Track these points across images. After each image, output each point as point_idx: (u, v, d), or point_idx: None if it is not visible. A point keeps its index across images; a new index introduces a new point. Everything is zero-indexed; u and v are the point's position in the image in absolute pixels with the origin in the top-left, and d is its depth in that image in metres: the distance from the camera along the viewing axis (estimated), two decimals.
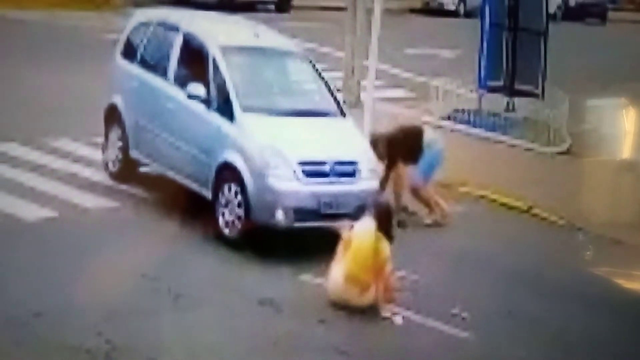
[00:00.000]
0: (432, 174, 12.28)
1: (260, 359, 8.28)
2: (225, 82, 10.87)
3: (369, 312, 9.31)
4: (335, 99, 11.65)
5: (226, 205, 10.53)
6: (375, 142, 11.65)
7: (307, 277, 9.92)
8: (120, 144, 12.19)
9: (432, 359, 8.71)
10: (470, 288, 10.41)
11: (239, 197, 10.39)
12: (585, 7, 42.97)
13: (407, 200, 12.26)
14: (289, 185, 10.31)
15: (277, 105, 11.13)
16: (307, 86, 11.85)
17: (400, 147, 11.91)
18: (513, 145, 17.04)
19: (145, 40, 12.30)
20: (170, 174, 11.53)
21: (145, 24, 12.52)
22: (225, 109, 10.76)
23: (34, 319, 8.30)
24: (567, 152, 17.05)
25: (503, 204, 13.75)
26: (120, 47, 12.70)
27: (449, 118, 17.82)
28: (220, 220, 10.58)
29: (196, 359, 8.07)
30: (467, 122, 17.72)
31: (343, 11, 19.18)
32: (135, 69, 12.21)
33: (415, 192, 12.20)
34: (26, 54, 19.17)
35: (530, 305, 10.16)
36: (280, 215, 10.26)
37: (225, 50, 11.16)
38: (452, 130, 17.06)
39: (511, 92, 18.30)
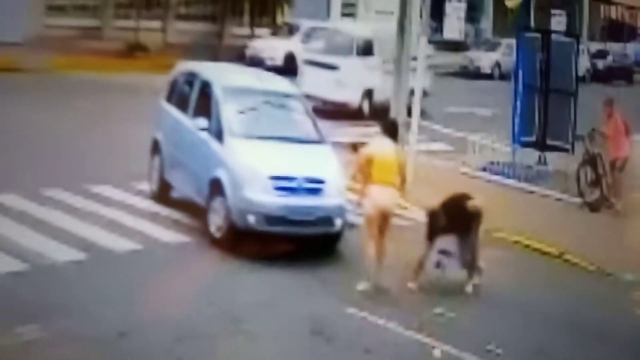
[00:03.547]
0: None
1: None
2: (220, 113, 12.23)
3: (411, 345, 9.49)
4: (317, 130, 12.78)
5: (214, 212, 11.71)
6: (434, 217, 11.37)
7: (353, 310, 10.17)
8: (158, 168, 13.49)
9: None
10: (504, 327, 10.45)
11: (223, 205, 11.53)
12: (612, 70, 42.96)
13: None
14: (259, 196, 11.43)
15: (261, 132, 12.32)
16: (294, 119, 13.05)
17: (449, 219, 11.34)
18: (544, 196, 17.00)
19: (178, 86, 13.84)
20: (186, 192, 12.87)
21: (181, 74, 14.06)
22: (219, 135, 12.12)
23: (119, 337, 8.63)
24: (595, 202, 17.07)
25: (536, 250, 13.77)
26: (164, 93, 14.18)
27: (484, 169, 17.98)
28: (210, 224, 11.79)
29: None
30: (502, 173, 17.76)
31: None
32: (171, 109, 13.70)
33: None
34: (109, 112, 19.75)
35: (560, 344, 10.17)
36: (252, 220, 11.34)
37: (226, 89, 12.64)
38: (487, 181, 17.22)
39: (543, 147, 18.27)
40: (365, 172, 10.83)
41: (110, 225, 11.99)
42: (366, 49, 23.18)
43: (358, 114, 21.98)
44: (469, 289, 11.36)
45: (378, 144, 11.07)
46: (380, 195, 10.75)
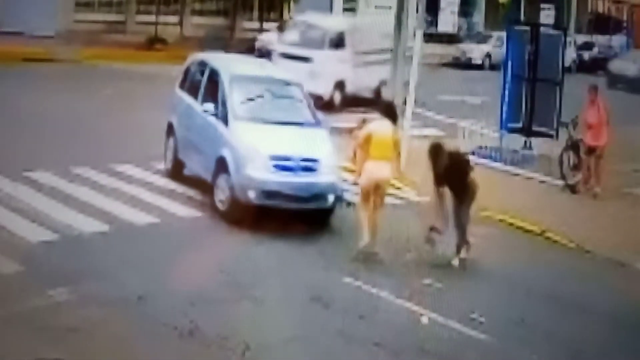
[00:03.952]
0: None
1: (312, 340, 8.61)
2: (226, 98, 12.37)
3: (401, 312, 9.65)
4: (314, 114, 12.89)
5: (219, 188, 11.93)
6: (435, 151, 11.42)
7: (349, 280, 10.33)
8: (172, 149, 13.68)
9: (452, 354, 8.77)
10: (488, 298, 10.47)
11: (227, 181, 11.76)
12: (597, 61, 42.62)
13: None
14: (260, 174, 11.64)
15: (263, 116, 12.47)
16: (293, 103, 13.15)
17: (450, 172, 11.39)
18: (529, 178, 16.96)
19: (191, 75, 14.01)
20: (195, 169, 13.06)
21: (194, 63, 14.23)
22: (225, 118, 12.28)
23: (138, 300, 8.84)
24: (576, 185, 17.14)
25: (519, 227, 13.78)
26: (178, 81, 14.38)
27: (473, 153, 17.94)
28: (216, 198, 12.02)
29: (259, 339, 8.37)
30: (489, 157, 17.66)
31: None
32: (184, 96, 13.89)
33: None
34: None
35: (541, 314, 10.19)
36: (252, 195, 11.57)
37: (232, 77, 12.79)
38: (476, 164, 17.10)
39: (529, 132, 18.21)
40: (364, 149, 11.19)
41: (132, 201, 12.16)
42: (338, 42, 22.24)
43: (329, 105, 20.93)
44: (455, 262, 11.46)
45: (376, 124, 11.42)
46: (376, 169, 11.09)
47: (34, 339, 7.74)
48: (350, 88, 21.94)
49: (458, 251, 11.51)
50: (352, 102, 21.11)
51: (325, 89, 21.14)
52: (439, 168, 11.25)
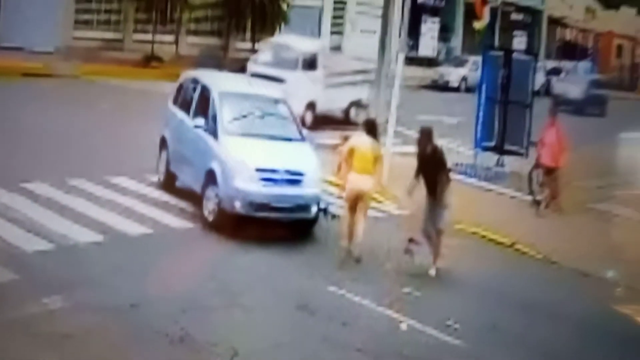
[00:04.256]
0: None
1: (298, 345, 8.57)
2: (216, 114, 12.29)
3: (382, 319, 9.60)
4: (299, 130, 12.89)
5: (208, 199, 11.88)
6: (426, 135, 11.64)
7: (333, 289, 10.28)
8: (165, 161, 13.61)
9: (429, 359, 8.80)
10: (462, 305, 10.54)
11: (215, 192, 11.69)
12: None
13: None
14: (246, 185, 11.55)
15: (251, 131, 12.42)
16: (279, 119, 13.06)
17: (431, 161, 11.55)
18: (501, 193, 17.05)
19: (183, 91, 13.94)
20: (186, 181, 12.98)
21: (186, 80, 14.19)
22: (214, 132, 12.24)
23: (131, 308, 8.72)
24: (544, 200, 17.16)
25: (491, 240, 13.83)
26: (171, 97, 14.33)
27: (449, 170, 18.04)
28: (204, 209, 11.96)
29: (247, 345, 8.30)
30: (464, 173, 17.73)
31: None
32: (177, 111, 13.82)
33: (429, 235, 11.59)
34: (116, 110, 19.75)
35: (511, 320, 10.29)
36: (238, 206, 11.49)
37: (222, 94, 12.73)
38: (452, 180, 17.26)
39: (501, 151, 18.31)
40: (347, 162, 11.42)
41: (126, 212, 12.05)
42: (311, 64, 21.71)
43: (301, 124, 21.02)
44: (432, 272, 11.47)
45: (358, 139, 11.64)
46: (358, 181, 11.32)
47: (29, 345, 7.63)
48: (321, 108, 21.57)
49: (434, 261, 11.52)
50: (323, 122, 20.97)
51: (297, 109, 20.82)
52: (423, 152, 11.50)
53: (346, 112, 22.29)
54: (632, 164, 20.60)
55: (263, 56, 22.61)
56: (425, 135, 11.59)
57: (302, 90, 20.82)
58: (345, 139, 12.33)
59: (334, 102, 21.90)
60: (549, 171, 15.97)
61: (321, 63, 22.03)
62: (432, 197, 11.55)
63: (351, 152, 11.40)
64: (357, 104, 22.58)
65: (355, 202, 11.39)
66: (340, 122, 20.16)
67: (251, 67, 21.86)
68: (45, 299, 8.59)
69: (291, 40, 23.39)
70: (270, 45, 23.51)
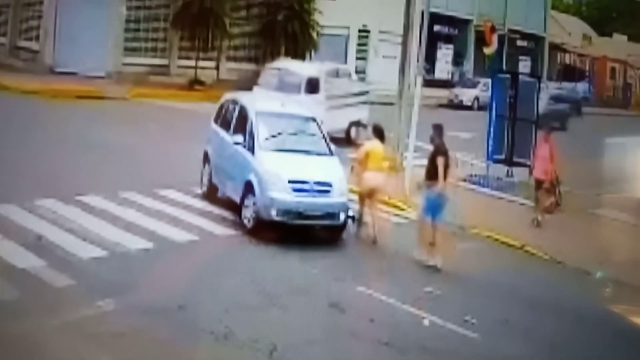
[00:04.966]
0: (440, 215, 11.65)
1: (330, 341, 8.46)
2: (253, 131, 12.22)
3: (406, 315, 9.44)
4: (328, 145, 12.73)
5: (246, 207, 11.82)
6: (438, 129, 12.02)
7: (362, 289, 10.12)
8: (208, 174, 13.50)
9: (449, 351, 8.69)
10: (478, 302, 10.39)
11: (253, 202, 11.64)
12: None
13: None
14: (280, 195, 11.43)
15: (284, 146, 12.38)
16: (309, 136, 12.99)
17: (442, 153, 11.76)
18: (511, 201, 16.92)
19: (224, 111, 13.93)
20: (227, 192, 12.90)
21: (226, 101, 14.15)
22: (252, 148, 12.18)
23: (178, 309, 8.57)
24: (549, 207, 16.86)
25: (503, 242, 13.69)
26: (214, 116, 14.30)
27: (464, 180, 17.87)
28: (243, 217, 11.92)
29: (285, 341, 8.20)
30: (478, 184, 17.70)
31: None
32: (218, 129, 13.81)
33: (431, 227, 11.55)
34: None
35: (521, 315, 10.17)
36: (274, 214, 11.43)
37: (259, 113, 12.66)
38: (466, 189, 17.11)
39: (510, 163, 18.27)
40: (363, 164, 12.36)
41: (173, 221, 11.94)
42: (313, 87, 20.70)
43: None
44: (431, 262, 11.37)
45: (371, 143, 12.62)
46: (374, 177, 12.33)
47: (85, 345, 7.52)
48: (322, 129, 21.27)
49: (433, 255, 11.40)
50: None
51: None
52: (436, 143, 11.80)
53: (347, 132, 21.84)
54: (626, 172, 20.37)
55: (267, 81, 21.52)
56: (438, 129, 11.98)
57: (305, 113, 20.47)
58: (359, 146, 13.04)
59: (335, 123, 20.89)
60: (539, 183, 15.44)
61: (323, 86, 21.33)
62: (432, 181, 11.52)
63: (367, 155, 12.35)
64: (357, 124, 22.19)
65: (371, 194, 12.35)
66: (341, 141, 19.76)
67: (256, 91, 20.65)
68: (100, 302, 8.48)
69: (294, 65, 22.68)
70: (274, 71, 22.36)
